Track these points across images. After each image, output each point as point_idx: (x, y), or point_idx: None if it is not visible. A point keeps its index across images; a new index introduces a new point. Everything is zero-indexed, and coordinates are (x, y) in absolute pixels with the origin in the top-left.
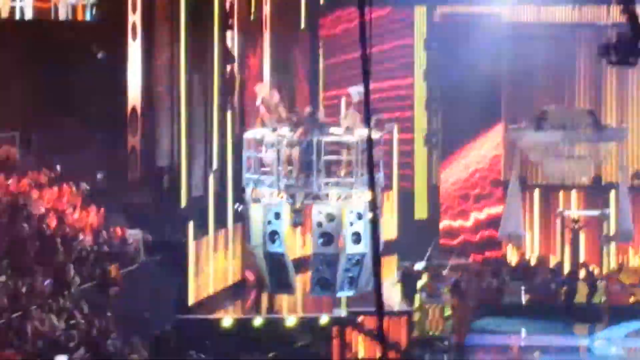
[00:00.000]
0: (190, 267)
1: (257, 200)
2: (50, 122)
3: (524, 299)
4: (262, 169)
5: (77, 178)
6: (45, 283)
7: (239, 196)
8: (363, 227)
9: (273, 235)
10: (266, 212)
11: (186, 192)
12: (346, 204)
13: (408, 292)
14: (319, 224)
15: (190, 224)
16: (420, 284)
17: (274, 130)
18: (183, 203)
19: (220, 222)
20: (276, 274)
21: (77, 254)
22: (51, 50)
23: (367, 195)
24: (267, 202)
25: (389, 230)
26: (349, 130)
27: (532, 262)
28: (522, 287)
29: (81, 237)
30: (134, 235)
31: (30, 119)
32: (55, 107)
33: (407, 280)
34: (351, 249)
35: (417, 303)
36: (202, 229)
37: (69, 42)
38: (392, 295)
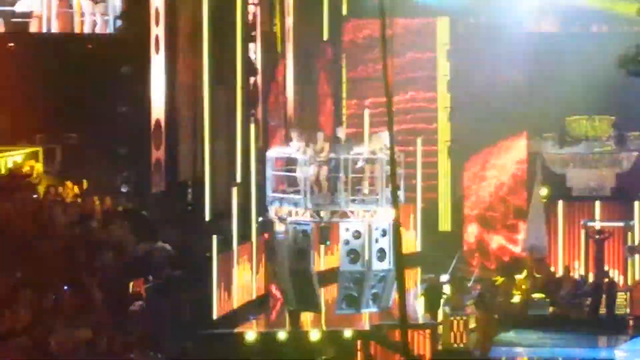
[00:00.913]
0: (214, 281)
1: (282, 219)
2: (74, 136)
3: (548, 311)
4: (288, 187)
5: (102, 192)
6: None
7: (263, 210)
8: (387, 243)
9: (300, 253)
10: (293, 230)
11: (210, 206)
12: (371, 221)
13: (432, 304)
14: (346, 242)
15: (214, 238)
16: (444, 296)
17: (299, 149)
18: (207, 217)
19: (244, 236)
20: (302, 291)
21: (101, 268)
22: (75, 63)
23: (391, 211)
24: (294, 220)
25: (412, 243)
26: (373, 154)
27: (556, 274)
28: (547, 300)
29: (105, 252)
30: (158, 249)
31: (55, 133)
32: (79, 121)
33: (431, 293)
34: (376, 265)
35: (441, 316)
36: (226, 243)
37: (92, 55)
38: (416, 308)
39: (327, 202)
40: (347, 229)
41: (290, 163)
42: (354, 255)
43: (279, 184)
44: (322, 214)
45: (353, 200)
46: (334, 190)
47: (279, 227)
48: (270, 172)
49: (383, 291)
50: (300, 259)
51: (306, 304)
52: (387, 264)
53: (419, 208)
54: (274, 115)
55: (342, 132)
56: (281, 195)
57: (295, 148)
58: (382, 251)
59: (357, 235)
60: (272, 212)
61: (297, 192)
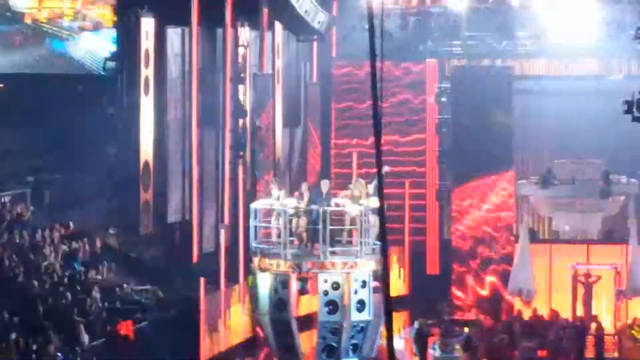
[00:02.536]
0: (201, 323)
1: (264, 270)
2: (62, 177)
3: (536, 354)
4: (269, 238)
5: (90, 233)
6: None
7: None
8: (367, 294)
9: (279, 304)
10: (273, 281)
11: (198, 247)
12: (351, 272)
13: (420, 347)
14: (325, 293)
15: (202, 280)
16: (432, 339)
17: (278, 199)
18: (195, 258)
19: (232, 278)
20: (283, 340)
21: (89, 310)
22: (64, 103)
23: (371, 264)
24: (274, 270)
25: (400, 285)
26: (355, 199)
27: (544, 317)
28: (534, 343)
29: (93, 293)
30: (145, 291)
31: (43, 174)
32: (67, 161)
33: (419, 336)
34: (355, 316)
35: (429, 359)
36: (213, 285)
37: (81, 95)
38: (403, 352)
39: (306, 254)
40: (326, 280)
41: (272, 214)
42: (332, 306)
43: (260, 235)
44: (302, 265)
45: (333, 252)
46: (314, 242)
47: (261, 277)
48: (253, 223)
49: (363, 341)
50: (280, 309)
51: (289, 354)
52: (366, 315)
53: (406, 251)
54: (262, 157)
55: (325, 186)
56: (262, 246)
57: (274, 197)
58: (361, 302)
59: (336, 286)
60: (255, 262)
61: (278, 243)
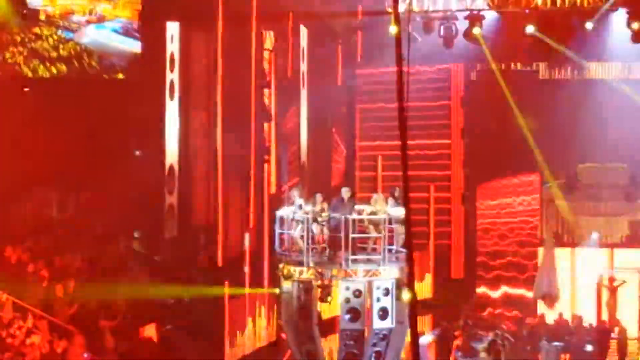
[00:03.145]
0: (226, 327)
1: (288, 277)
2: (87, 181)
3: (560, 358)
4: (293, 245)
5: (115, 237)
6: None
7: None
8: (390, 302)
9: (302, 311)
10: (297, 288)
11: (222, 252)
12: (373, 280)
13: (443, 352)
14: (347, 300)
15: (227, 283)
16: (455, 343)
17: (301, 207)
18: (219, 262)
19: (257, 282)
20: (305, 347)
21: (116, 314)
22: (89, 108)
23: (394, 271)
24: (298, 278)
25: (425, 289)
26: (374, 214)
27: (568, 322)
28: (558, 347)
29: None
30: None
31: (68, 178)
32: (93, 166)
33: (443, 340)
34: (378, 324)
35: None
36: (238, 289)
37: (106, 99)
38: (427, 355)
39: (328, 262)
40: (348, 288)
41: (295, 222)
42: (354, 313)
43: (285, 242)
44: (324, 272)
45: (355, 260)
46: (336, 250)
47: (285, 284)
48: (277, 230)
49: (386, 349)
50: (303, 316)
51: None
52: (389, 323)
53: (431, 255)
54: (286, 162)
55: (346, 193)
56: (286, 253)
57: (297, 205)
58: (384, 310)
59: (358, 294)
60: (280, 269)
61: (301, 250)
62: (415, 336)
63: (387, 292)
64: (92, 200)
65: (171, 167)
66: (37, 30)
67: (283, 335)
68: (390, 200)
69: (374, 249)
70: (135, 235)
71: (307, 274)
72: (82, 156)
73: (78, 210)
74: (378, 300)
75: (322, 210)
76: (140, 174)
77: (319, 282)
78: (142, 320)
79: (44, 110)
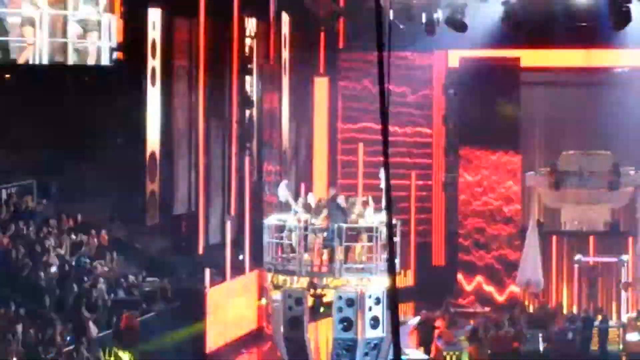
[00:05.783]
0: (207, 315)
1: (278, 287)
2: (68, 169)
3: (541, 346)
4: (283, 255)
5: (96, 225)
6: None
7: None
8: (381, 311)
9: (294, 321)
10: (287, 298)
11: (204, 239)
12: (365, 289)
13: (425, 340)
14: (339, 309)
15: (207, 271)
16: (437, 331)
17: (295, 213)
18: (200, 250)
19: (238, 270)
20: (296, 358)
21: (94, 302)
22: (69, 95)
23: (386, 280)
24: (289, 287)
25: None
26: (359, 217)
27: (550, 309)
28: (540, 335)
29: (99, 285)
30: (151, 282)
31: (48, 165)
32: (73, 153)
33: (424, 328)
34: (369, 333)
35: (434, 351)
36: (219, 276)
37: (87, 87)
38: (407, 343)
39: (321, 271)
40: (340, 297)
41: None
42: (346, 323)
43: (274, 251)
44: (316, 282)
45: (347, 269)
46: (330, 259)
47: (275, 294)
48: (267, 240)
49: (377, 358)
50: (294, 326)
51: None
52: (380, 332)
53: (412, 242)
54: (268, 148)
55: (342, 200)
56: (277, 263)
57: (292, 212)
58: (375, 319)
59: (350, 303)
60: (268, 279)
61: (293, 259)
62: (396, 323)
63: (378, 301)
64: (72, 188)
65: (152, 154)
66: None
67: (264, 324)
68: (369, 208)
69: (368, 258)
70: (116, 222)
71: (298, 283)
72: (62, 143)
73: (58, 198)
74: (370, 309)
75: (326, 217)
76: (122, 161)
77: (312, 292)
78: (122, 308)
79: (23, 97)
